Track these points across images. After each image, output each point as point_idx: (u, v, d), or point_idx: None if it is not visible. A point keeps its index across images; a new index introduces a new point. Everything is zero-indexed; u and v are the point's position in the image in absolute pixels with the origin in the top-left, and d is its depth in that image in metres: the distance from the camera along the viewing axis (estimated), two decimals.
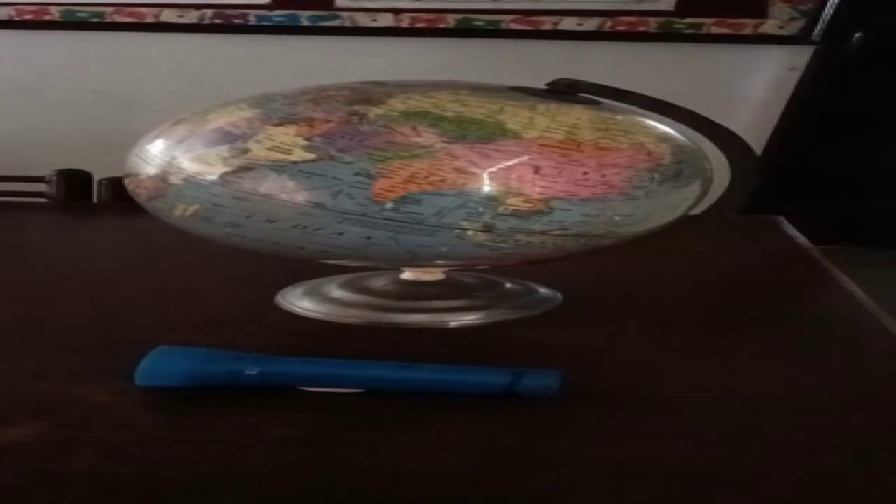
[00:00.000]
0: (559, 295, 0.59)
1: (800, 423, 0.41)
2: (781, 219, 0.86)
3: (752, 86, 1.52)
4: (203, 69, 1.59)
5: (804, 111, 1.41)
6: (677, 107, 0.54)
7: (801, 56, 1.50)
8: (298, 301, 0.57)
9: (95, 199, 0.90)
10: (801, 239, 0.80)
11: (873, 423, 0.41)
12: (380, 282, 0.58)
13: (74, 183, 0.90)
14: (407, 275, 0.58)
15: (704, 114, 0.55)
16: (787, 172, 1.30)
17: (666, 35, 1.64)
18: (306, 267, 0.58)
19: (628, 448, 0.38)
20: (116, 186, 0.86)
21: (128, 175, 0.53)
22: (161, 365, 0.43)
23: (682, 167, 0.52)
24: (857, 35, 1.41)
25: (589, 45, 1.59)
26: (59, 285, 0.65)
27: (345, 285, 0.59)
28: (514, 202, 0.47)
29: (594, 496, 0.34)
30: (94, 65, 1.64)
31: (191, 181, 0.49)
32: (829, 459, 0.38)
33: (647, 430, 0.40)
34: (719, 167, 0.57)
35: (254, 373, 0.42)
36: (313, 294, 0.58)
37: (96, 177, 0.91)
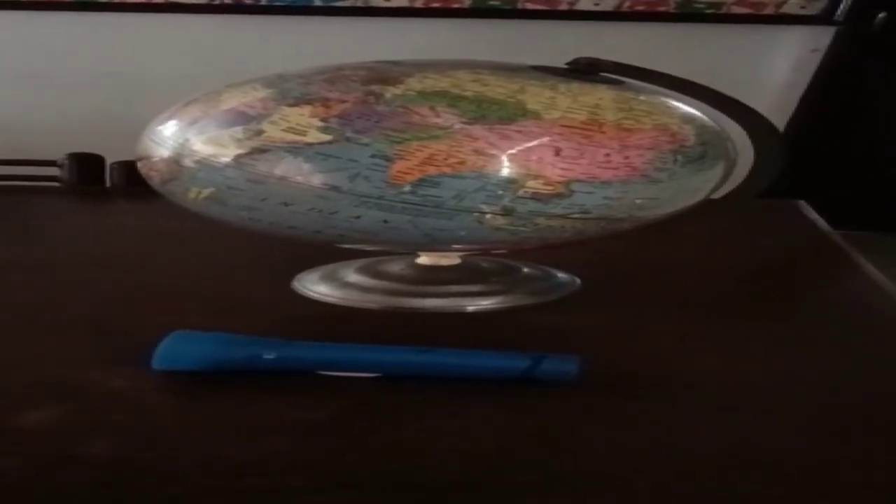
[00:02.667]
0: (577, 280, 0.58)
1: (819, 410, 0.40)
2: (803, 203, 0.85)
3: (773, 67, 1.50)
4: (214, 51, 1.58)
5: (826, 93, 1.38)
6: (701, 86, 0.53)
7: (823, 37, 1.47)
8: (315, 286, 0.56)
9: (108, 183, 0.90)
10: (823, 224, 0.79)
11: (894, 410, 0.41)
12: (396, 266, 0.58)
13: (86, 166, 0.89)
14: (423, 259, 0.57)
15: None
16: (808, 156, 1.28)
17: (685, 15, 1.62)
18: (322, 252, 0.57)
19: (647, 434, 0.38)
20: (129, 170, 0.85)
21: (140, 158, 0.52)
22: (178, 349, 0.43)
23: (705, 149, 0.51)
24: (880, 15, 1.39)
25: (606, 26, 1.57)
26: (73, 270, 0.64)
27: (361, 270, 0.58)
28: (535, 185, 0.46)
29: (613, 481, 0.34)
30: (104, 47, 1.63)
31: (204, 164, 0.48)
32: (848, 447, 0.37)
33: (665, 416, 0.40)
34: (741, 150, 0.56)
35: (271, 357, 0.42)
36: (330, 279, 0.57)
37: (109, 160, 0.90)
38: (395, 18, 1.61)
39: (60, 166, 0.89)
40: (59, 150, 0.91)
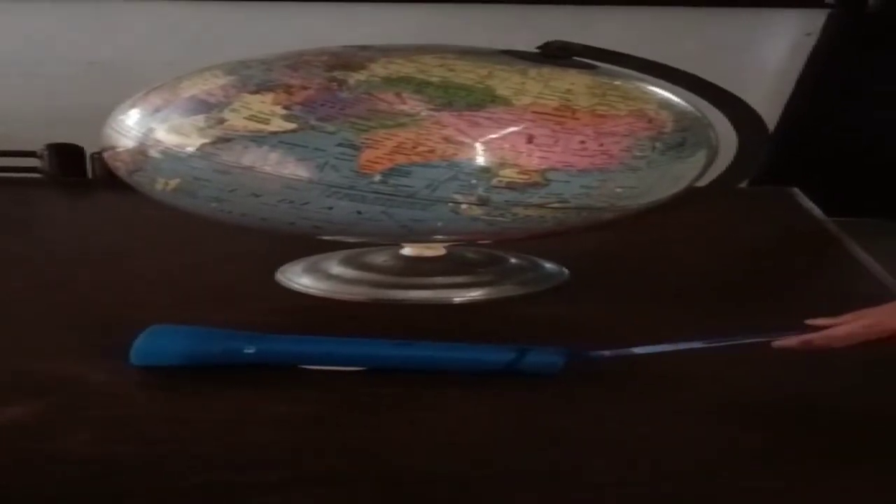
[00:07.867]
0: (565, 270, 0.57)
1: (810, 400, 0.40)
2: (796, 190, 0.84)
3: (766, 52, 1.48)
4: (197, 39, 1.56)
5: (821, 79, 1.37)
6: (679, 71, 0.52)
7: (817, 20, 1.45)
8: (298, 278, 0.56)
9: (90, 174, 0.88)
10: (816, 211, 0.78)
11: (890, 400, 0.40)
12: (380, 258, 0.57)
13: (66, 157, 0.88)
14: (408, 250, 0.56)
15: (714, 81, 0.52)
16: (802, 143, 1.26)
17: None
18: (306, 243, 0.57)
19: (634, 425, 0.37)
20: None
21: (104, 148, 0.51)
22: (156, 344, 0.42)
23: (685, 136, 0.50)
24: None
25: (594, 11, 1.54)
26: (54, 263, 0.63)
27: (345, 261, 0.57)
28: (509, 174, 0.45)
29: (600, 474, 0.34)
30: (87, 34, 1.61)
31: (169, 153, 0.47)
32: (842, 437, 0.36)
33: (653, 407, 0.39)
34: (725, 137, 0.55)
35: (251, 351, 0.42)
36: (313, 271, 0.57)
37: (91, 151, 0.89)
38: (378, 4, 1.59)
39: (40, 157, 0.88)
40: (40, 141, 0.90)
